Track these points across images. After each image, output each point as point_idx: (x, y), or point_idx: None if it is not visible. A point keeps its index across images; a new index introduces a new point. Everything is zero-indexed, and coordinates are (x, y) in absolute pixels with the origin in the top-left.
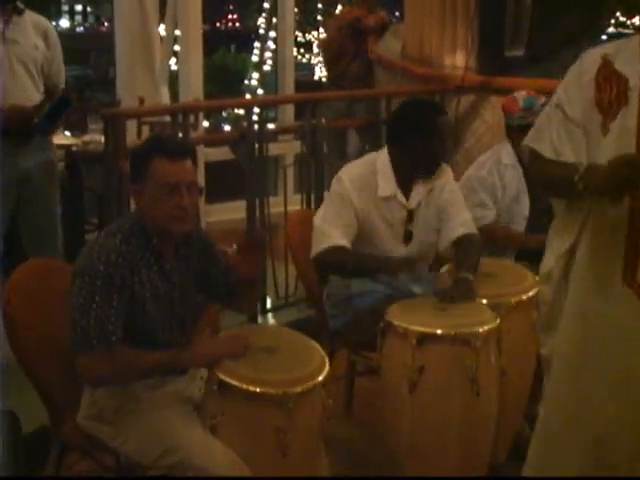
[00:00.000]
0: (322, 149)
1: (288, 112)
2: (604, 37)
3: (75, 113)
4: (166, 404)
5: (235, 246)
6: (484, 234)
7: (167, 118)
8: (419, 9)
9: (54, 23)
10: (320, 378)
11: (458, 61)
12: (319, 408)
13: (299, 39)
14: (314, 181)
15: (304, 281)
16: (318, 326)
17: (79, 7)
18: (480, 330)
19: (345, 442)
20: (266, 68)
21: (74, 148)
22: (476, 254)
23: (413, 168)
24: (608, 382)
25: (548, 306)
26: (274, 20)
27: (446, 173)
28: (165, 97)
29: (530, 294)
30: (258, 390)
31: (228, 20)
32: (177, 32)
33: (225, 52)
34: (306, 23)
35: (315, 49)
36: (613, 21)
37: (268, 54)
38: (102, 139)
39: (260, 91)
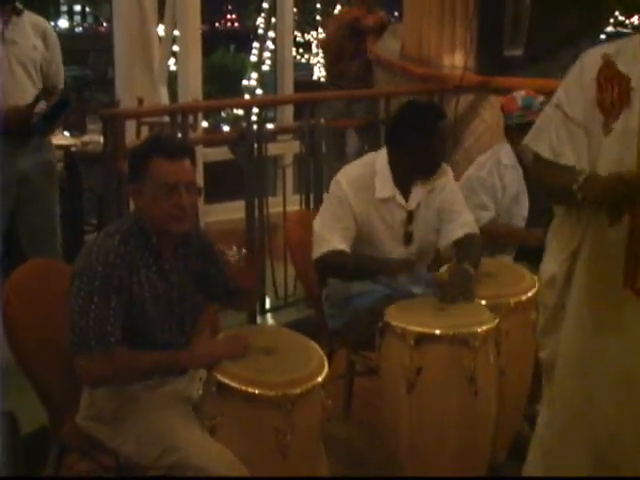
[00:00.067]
0: (321, 149)
1: (287, 112)
2: (603, 36)
3: (74, 113)
4: (165, 404)
5: (234, 247)
6: (485, 233)
7: (166, 118)
8: (418, 9)
9: (53, 23)
10: (319, 379)
11: (457, 61)
12: (318, 409)
13: (298, 39)
14: (313, 181)
15: (303, 281)
16: (317, 326)
17: (78, 7)
18: (479, 330)
19: (344, 442)
20: (265, 68)
21: (73, 148)
22: (477, 253)
23: (412, 170)
24: (608, 382)
25: (550, 310)
26: (273, 20)
27: (446, 173)
28: (164, 97)
29: (529, 294)
30: (257, 392)
31: (227, 20)
32: (176, 32)
33: (224, 52)
34: (305, 23)
35: (314, 49)
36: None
37: (267, 54)
38: (101, 139)
39: (259, 91)
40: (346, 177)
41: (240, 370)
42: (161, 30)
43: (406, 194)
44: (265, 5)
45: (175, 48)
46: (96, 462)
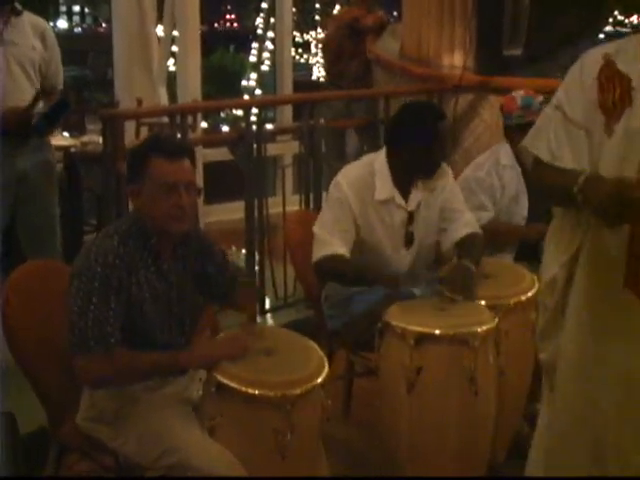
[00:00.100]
0: (320, 149)
1: (286, 112)
2: (601, 36)
3: (73, 114)
4: (165, 405)
5: (234, 248)
6: (486, 233)
7: (165, 119)
8: (417, 9)
9: (52, 24)
10: (319, 380)
11: (456, 61)
12: (318, 409)
13: (297, 39)
14: (312, 181)
15: (303, 282)
16: (317, 327)
17: (77, 8)
18: (478, 330)
19: (344, 442)
20: (264, 68)
21: (72, 149)
22: (479, 251)
23: (412, 170)
24: (609, 384)
25: (550, 312)
26: (272, 20)
27: (446, 173)
28: (163, 98)
29: (529, 295)
30: (257, 392)
31: (226, 20)
32: (175, 33)
33: (223, 53)
34: (304, 23)
35: (313, 49)
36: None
37: (266, 54)
38: (100, 140)
39: (258, 91)
40: (346, 178)
41: (240, 371)
42: (160, 30)
43: (406, 195)
44: (264, 5)
45: (174, 48)
46: (96, 462)
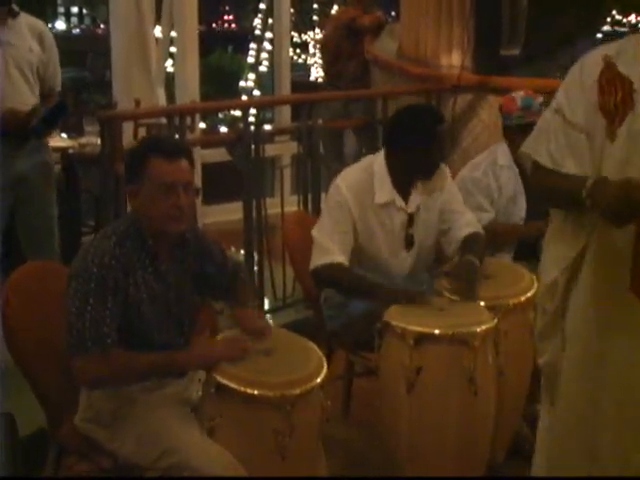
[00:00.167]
0: (319, 150)
1: (284, 113)
2: (599, 36)
3: (72, 116)
4: (164, 406)
5: (232, 248)
6: (486, 233)
7: (163, 120)
8: (415, 9)
9: (50, 25)
10: (318, 380)
11: (454, 61)
12: (318, 410)
13: (295, 40)
14: (311, 182)
15: (301, 282)
16: (316, 327)
17: (75, 9)
18: (478, 330)
19: (343, 442)
20: (262, 69)
21: (71, 150)
22: (481, 250)
23: (411, 172)
24: (610, 383)
25: (550, 315)
26: (270, 21)
27: (445, 174)
28: (161, 99)
29: (528, 295)
30: (256, 393)
31: (224, 21)
32: (173, 33)
33: (221, 53)
34: (302, 24)
35: (311, 49)
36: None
37: (264, 55)
38: (98, 141)
39: (256, 92)
40: (345, 182)
41: (239, 371)
42: (158, 31)
43: (405, 197)
44: (262, 6)
45: (172, 49)
46: (94, 463)
